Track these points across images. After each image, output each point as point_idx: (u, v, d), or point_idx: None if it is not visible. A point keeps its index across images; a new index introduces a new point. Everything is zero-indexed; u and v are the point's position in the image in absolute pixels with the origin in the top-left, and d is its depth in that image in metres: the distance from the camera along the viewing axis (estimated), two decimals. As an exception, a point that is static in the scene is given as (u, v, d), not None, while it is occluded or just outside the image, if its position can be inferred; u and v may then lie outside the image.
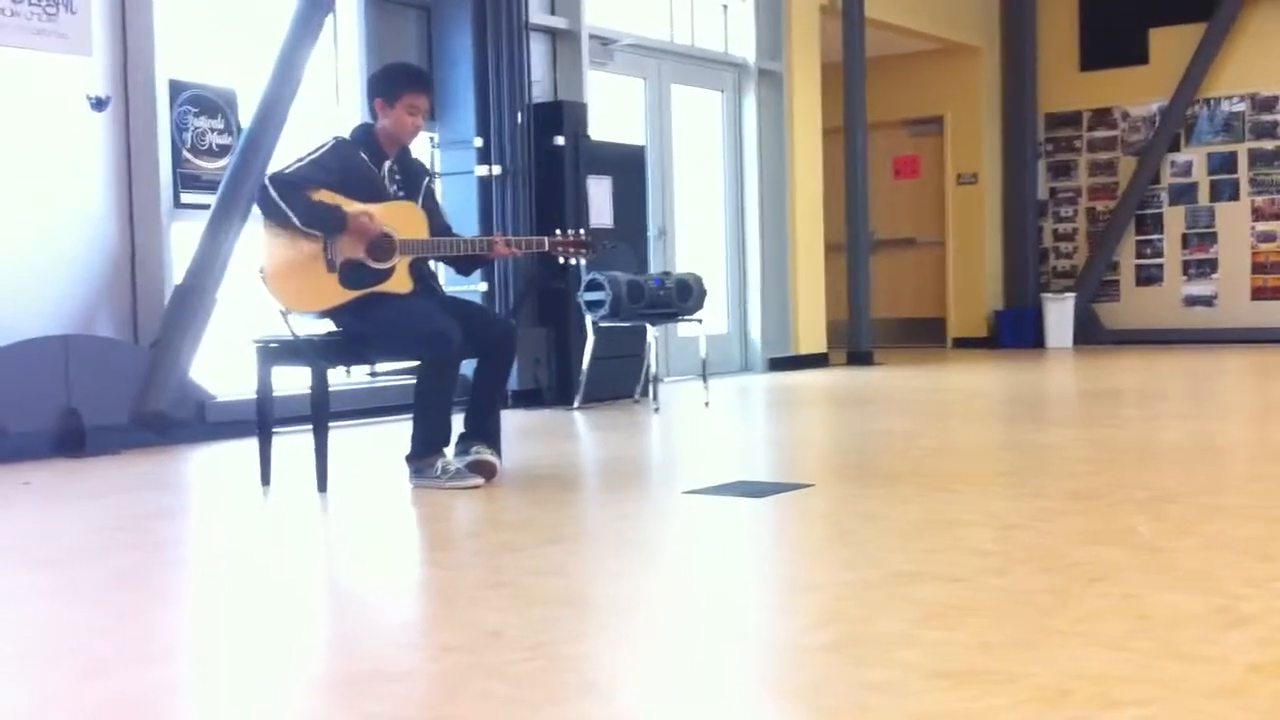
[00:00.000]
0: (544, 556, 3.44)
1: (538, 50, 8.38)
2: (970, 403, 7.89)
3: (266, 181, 4.61)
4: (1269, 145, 12.69)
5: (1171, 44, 12.91)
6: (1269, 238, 12.74)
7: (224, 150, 6.69)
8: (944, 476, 4.77)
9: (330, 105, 7.36)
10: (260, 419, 4.76)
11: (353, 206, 4.62)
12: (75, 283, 6.17)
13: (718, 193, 10.45)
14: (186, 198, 6.58)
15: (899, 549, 3.42)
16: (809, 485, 4.53)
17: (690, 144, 10.15)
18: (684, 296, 7.76)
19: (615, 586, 3.13)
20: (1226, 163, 12.89)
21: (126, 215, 6.37)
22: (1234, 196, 12.88)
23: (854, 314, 11.39)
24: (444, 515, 4.21)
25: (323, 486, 4.59)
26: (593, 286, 7.47)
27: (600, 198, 8.29)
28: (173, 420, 6.09)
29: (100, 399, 5.90)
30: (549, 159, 8.01)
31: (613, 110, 9.24)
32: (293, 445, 5.44)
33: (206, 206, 6.46)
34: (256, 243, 4.75)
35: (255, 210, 4.80)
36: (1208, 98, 12.89)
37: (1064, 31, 13.50)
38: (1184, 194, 13.10)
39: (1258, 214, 12.79)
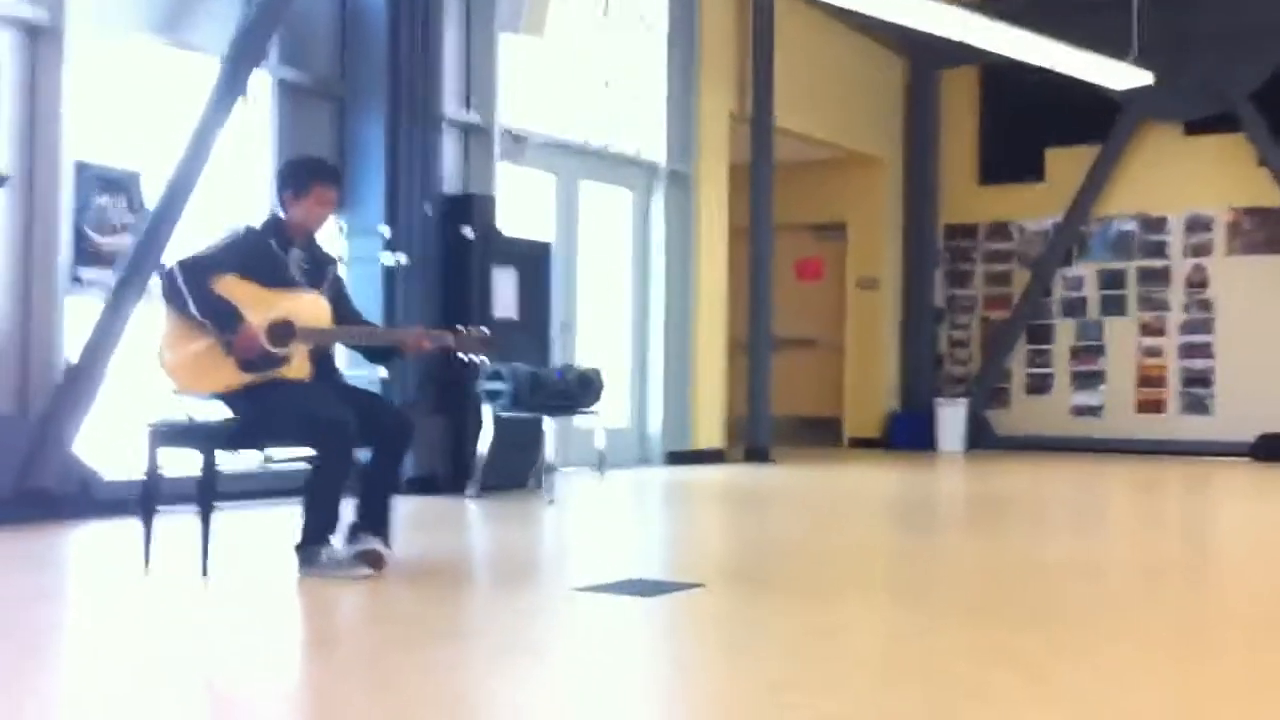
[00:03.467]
0: (430, 655, 3.43)
1: (449, 143, 8.45)
2: (863, 506, 8.00)
3: (174, 267, 4.60)
4: (1157, 264, 13.15)
5: (1066, 164, 13.36)
6: (1155, 353, 13.14)
7: (125, 228, 6.63)
8: (833, 583, 4.84)
9: (238, 190, 7.34)
10: (144, 503, 4.69)
11: (255, 295, 4.61)
12: (-36, 354, 6.05)
13: (623, 287, 10.56)
14: (85, 274, 6.51)
15: (784, 656, 3.47)
16: (699, 586, 4.56)
17: (598, 239, 10.26)
18: (584, 389, 7.81)
19: (501, 688, 3.13)
20: (1116, 279, 13.32)
21: (23, 289, 6.28)
22: (1122, 312, 13.29)
23: (753, 412, 11.51)
24: (329, 608, 4.17)
25: (205, 572, 4.52)
26: (494, 377, 7.50)
27: (505, 290, 8.34)
28: (57, 497, 5.96)
29: (-18, 473, 5.77)
30: (456, 250, 8.05)
31: (522, 203, 9.32)
32: (180, 526, 5.35)
33: (104, 283, 6.40)
34: (156, 322, 4.71)
35: (156, 291, 4.78)
36: (1100, 216, 13.34)
37: (964, 147, 13.93)
38: (1075, 307, 13.50)
39: (1145, 329, 13.20)
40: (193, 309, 4.52)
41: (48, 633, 3.81)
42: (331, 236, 7.56)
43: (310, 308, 4.75)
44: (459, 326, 5.11)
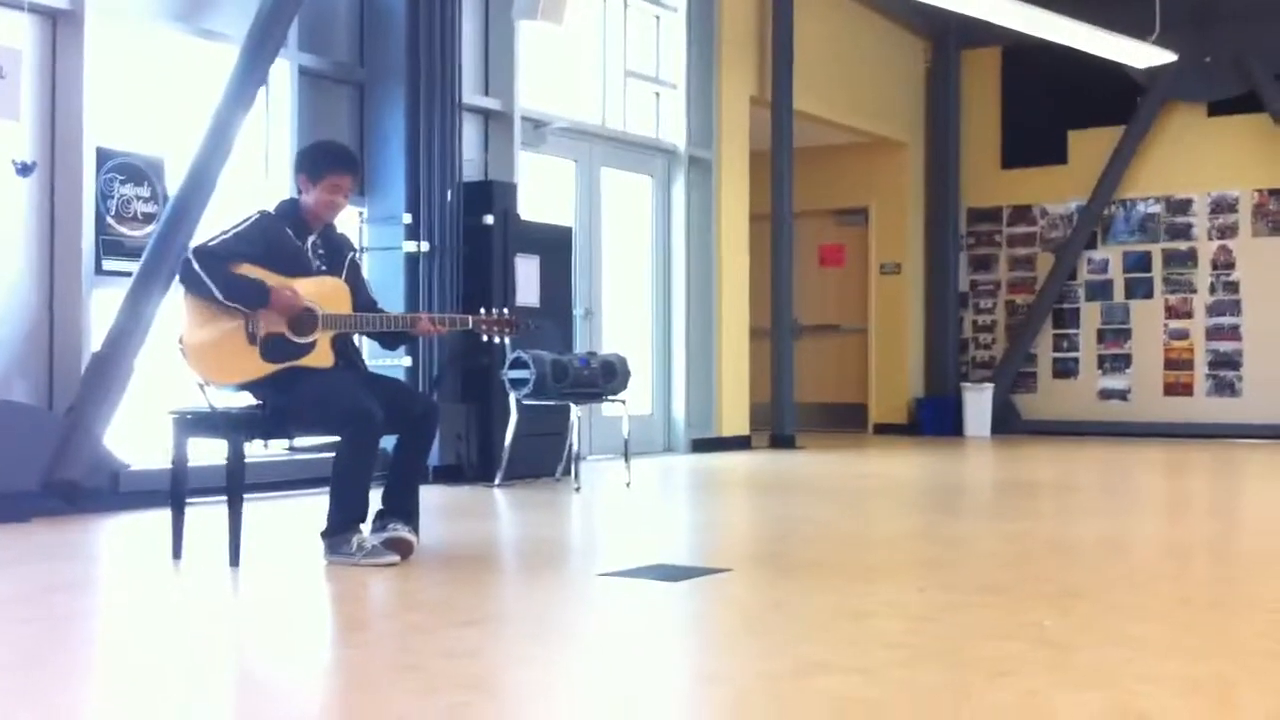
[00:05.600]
0: (456, 639, 3.42)
1: (470, 130, 8.45)
2: (889, 491, 7.97)
3: (189, 254, 4.60)
4: (1182, 246, 13.05)
5: (1089, 146, 13.28)
6: (1181, 335, 13.05)
7: (149, 218, 6.65)
8: (859, 566, 4.82)
9: (259, 178, 7.35)
10: (174, 491, 4.70)
11: (276, 281, 4.61)
12: (-10, 347, 6.08)
13: (645, 275, 10.54)
14: (109, 264, 6.52)
15: (810, 639, 3.45)
16: (726, 570, 4.54)
17: (619, 226, 10.24)
18: (608, 377, 7.79)
19: (526, 672, 3.13)
20: (1141, 262, 13.24)
21: (47, 280, 6.31)
22: (1148, 295, 13.20)
23: (777, 398, 11.49)
24: (357, 594, 4.17)
25: (235, 561, 4.53)
26: (517, 364, 7.49)
27: (528, 277, 8.33)
28: (85, 489, 5.98)
29: (10, 465, 5.78)
30: (478, 237, 8.04)
31: (543, 190, 9.31)
32: (208, 517, 5.37)
33: (129, 274, 6.40)
34: (177, 312, 4.72)
35: (176, 281, 4.78)
36: (1124, 199, 13.25)
37: (986, 130, 13.85)
38: (1100, 291, 13.42)
39: (1170, 312, 13.11)
40: (218, 295, 4.51)
41: (79, 620, 3.83)
42: (348, 223, 7.57)
43: (332, 293, 4.75)
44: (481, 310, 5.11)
